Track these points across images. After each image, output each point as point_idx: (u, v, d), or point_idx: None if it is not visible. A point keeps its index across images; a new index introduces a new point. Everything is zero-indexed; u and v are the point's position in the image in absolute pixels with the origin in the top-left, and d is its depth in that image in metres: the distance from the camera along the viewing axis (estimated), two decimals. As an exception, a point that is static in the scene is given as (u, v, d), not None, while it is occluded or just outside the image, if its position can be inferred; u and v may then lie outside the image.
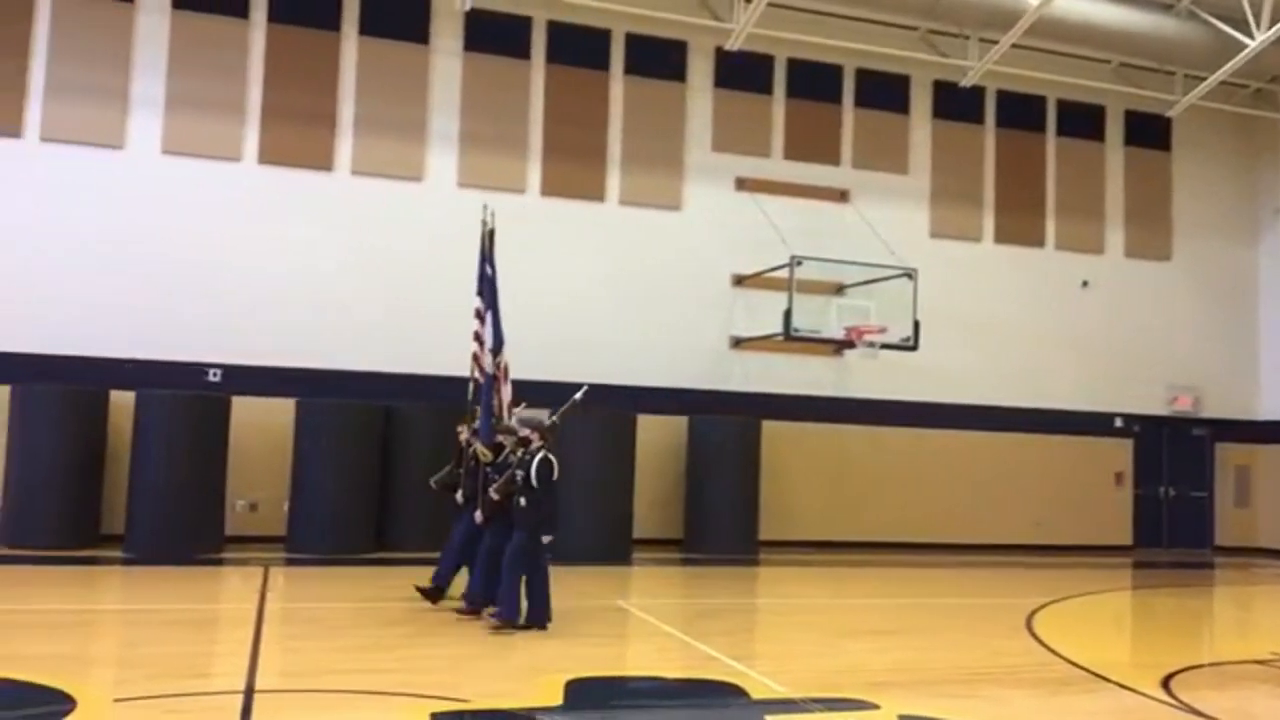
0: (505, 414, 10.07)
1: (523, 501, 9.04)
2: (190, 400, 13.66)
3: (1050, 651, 9.12)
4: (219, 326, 14.54)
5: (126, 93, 14.61)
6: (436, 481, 10.73)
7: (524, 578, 9.03)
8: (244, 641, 8.12)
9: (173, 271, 14.42)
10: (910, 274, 15.67)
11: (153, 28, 14.75)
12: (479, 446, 9.81)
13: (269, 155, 14.97)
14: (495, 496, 9.18)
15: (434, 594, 9.84)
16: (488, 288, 10.50)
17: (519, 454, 9.25)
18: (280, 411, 14.04)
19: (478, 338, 10.36)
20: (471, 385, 10.36)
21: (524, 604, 9.06)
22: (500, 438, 9.68)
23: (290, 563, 13.09)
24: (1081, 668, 8.37)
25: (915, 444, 17.56)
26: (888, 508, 17.27)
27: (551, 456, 9.08)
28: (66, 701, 6.25)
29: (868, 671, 8.05)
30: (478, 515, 9.48)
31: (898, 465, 17.40)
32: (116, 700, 6.44)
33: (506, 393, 10.25)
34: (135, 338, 14.15)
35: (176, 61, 14.79)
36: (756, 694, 7.14)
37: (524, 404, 10.44)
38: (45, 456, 13.08)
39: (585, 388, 9.66)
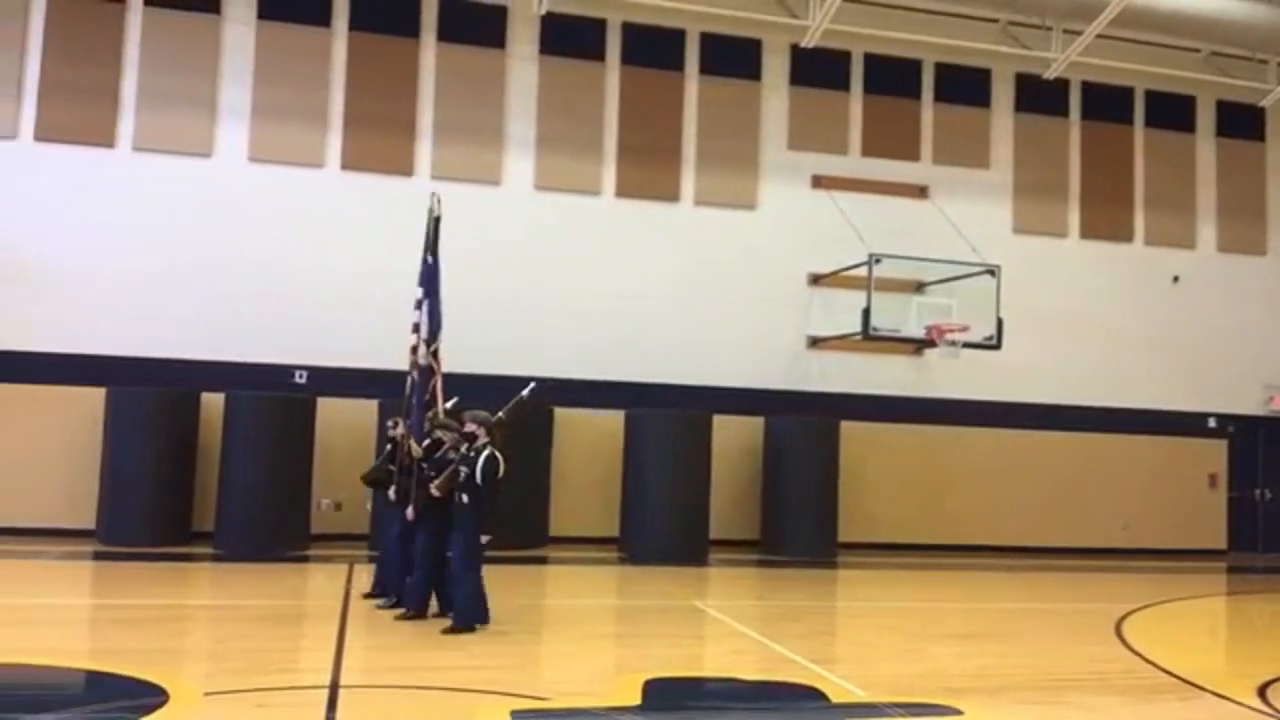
0: (439, 407, 9.72)
1: (465, 499, 8.79)
2: (276, 401, 13.99)
3: (1141, 658, 8.87)
4: (304, 329, 14.87)
5: (214, 102, 15.04)
6: (365, 477, 10.40)
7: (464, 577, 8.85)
8: (329, 637, 8.29)
9: (258, 275, 14.79)
10: (993, 271, 15.37)
11: (239, 38, 15.16)
12: (410, 443, 9.46)
13: (351, 162, 15.26)
14: (437, 492, 8.89)
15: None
16: (429, 275, 10.06)
17: (463, 450, 8.98)
18: (363, 412, 14.30)
19: (416, 328, 9.98)
20: (409, 379, 9.94)
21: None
22: (439, 433, 9.36)
23: (373, 560, 13.31)
24: (1174, 675, 8.13)
25: (998, 444, 17.22)
26: (970, 510, 16.96)
27: (498, 454, 8.85)
28: (159, 694, 6.45)
29: (949, 676, 7.92)
30: (409, 512, 9.19)
31: (980, 466, 17.08)
32: (207, 694, 6.62)
33: (438, 385, 9.88)
34: (224, 340, 14.55)
35: (262, 71, 15.18)
36: (836, 697, 7.07)
37: (455, 399, 9.99)
38: (139, 456, 13.49)
39: (533, 384, 9.49)
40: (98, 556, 12.81)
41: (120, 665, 7.17)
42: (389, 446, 10.09)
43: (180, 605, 8.64)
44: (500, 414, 9.08)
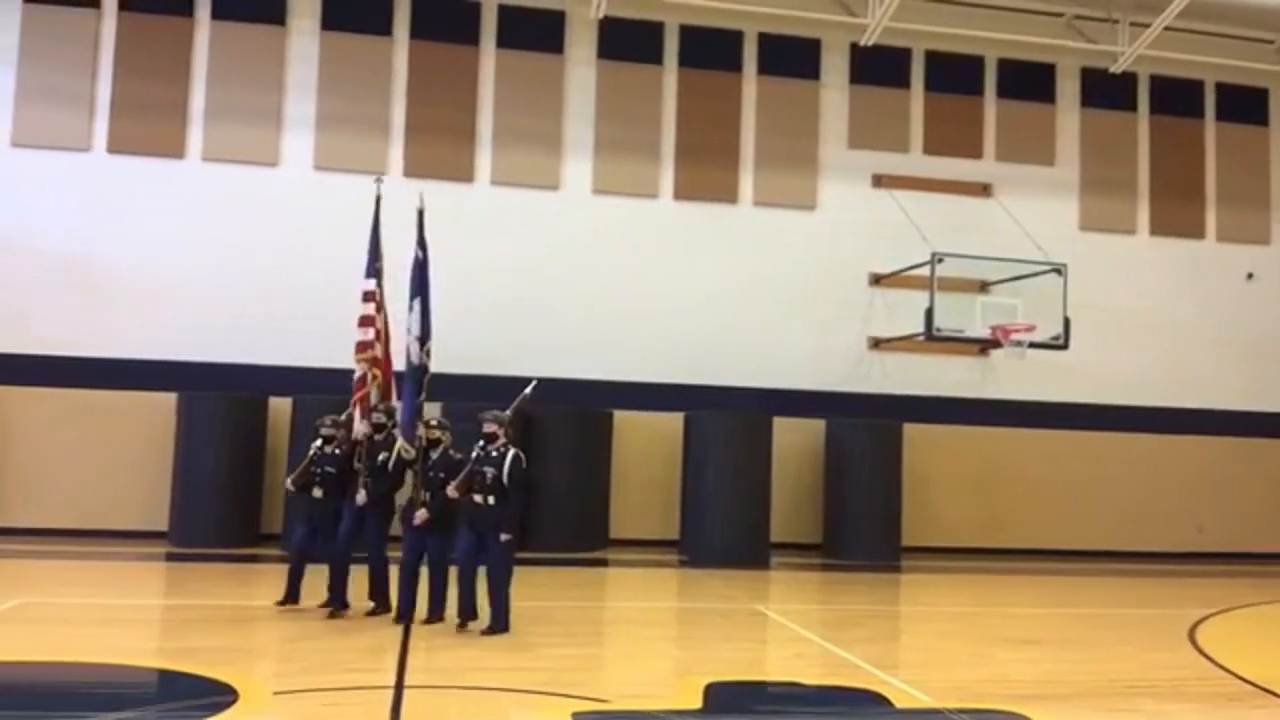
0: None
1: (490, 500, 8.66)
2: (342, 405, 14.09)
3: (1216, 665, 8.64)
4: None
5: (280, 112, 15.34)
6: (295, 481, 9.60)
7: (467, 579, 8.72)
8: (393, 638, 8.40)
9: (323, 282, 15.01)
10: (1059, 269, 15.11)
11: (303, 49, 15.45)
12: (402, 443, 9.10)
13: (414, 169, 15.44)
14: (454, 495, 8.72)
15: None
16: (419, 274, 9.71)
17: (478, 451, 8.77)
18: (426, 414, 14.43)
19: (369, 322, 9.65)
20: (369, 377, 9.58)
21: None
22: (438, 433, 9.13)
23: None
24: (1251, 683, 7.90)
25: (1066, 447, 16.90)
26: (1037, 513, 16.67)
27: (521, 454, 8.79)
28: (230, 693, 6.59)
29: (1016, 683, 7.79)
30: (420, 515, 8.85)
31: (1048, 469, 16.77)
32: (276, 693, 6.74)
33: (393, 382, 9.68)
34: (291, 345, 14.81)
35: (325, 81, 15.46)
36: (899, 703, 7.00)
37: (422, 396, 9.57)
38: (209, 460, 13.79)
39: (534, 382, 9.30)
40: (170, 558, 13.12)
41: (192, 664, 7.34)
42: (322, 446, 9.54)
43: (250, 606, 8.82)
44: (508, 412, 8.95)
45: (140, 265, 14.84)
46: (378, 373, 9.64)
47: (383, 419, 9.49)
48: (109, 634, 8.50)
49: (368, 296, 9.82)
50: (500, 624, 8.64)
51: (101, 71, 15.00)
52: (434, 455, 9.07)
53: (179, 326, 14.74)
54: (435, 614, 8.90)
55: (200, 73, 15.22)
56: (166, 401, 14.23)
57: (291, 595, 9.31)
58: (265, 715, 6.40)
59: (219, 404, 14.07)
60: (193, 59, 15.22)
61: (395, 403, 9.60)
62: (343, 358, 14.85)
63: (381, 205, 10.11)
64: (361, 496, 9.14)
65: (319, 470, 9.47)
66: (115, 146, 14.96)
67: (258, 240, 15.04)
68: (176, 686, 6.99)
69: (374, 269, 9.90)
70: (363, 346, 9.65)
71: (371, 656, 7.93)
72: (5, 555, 12.75)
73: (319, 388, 14.45)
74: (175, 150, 15.07)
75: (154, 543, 13.85)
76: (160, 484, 14.12)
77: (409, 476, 9.22)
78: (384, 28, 15.66)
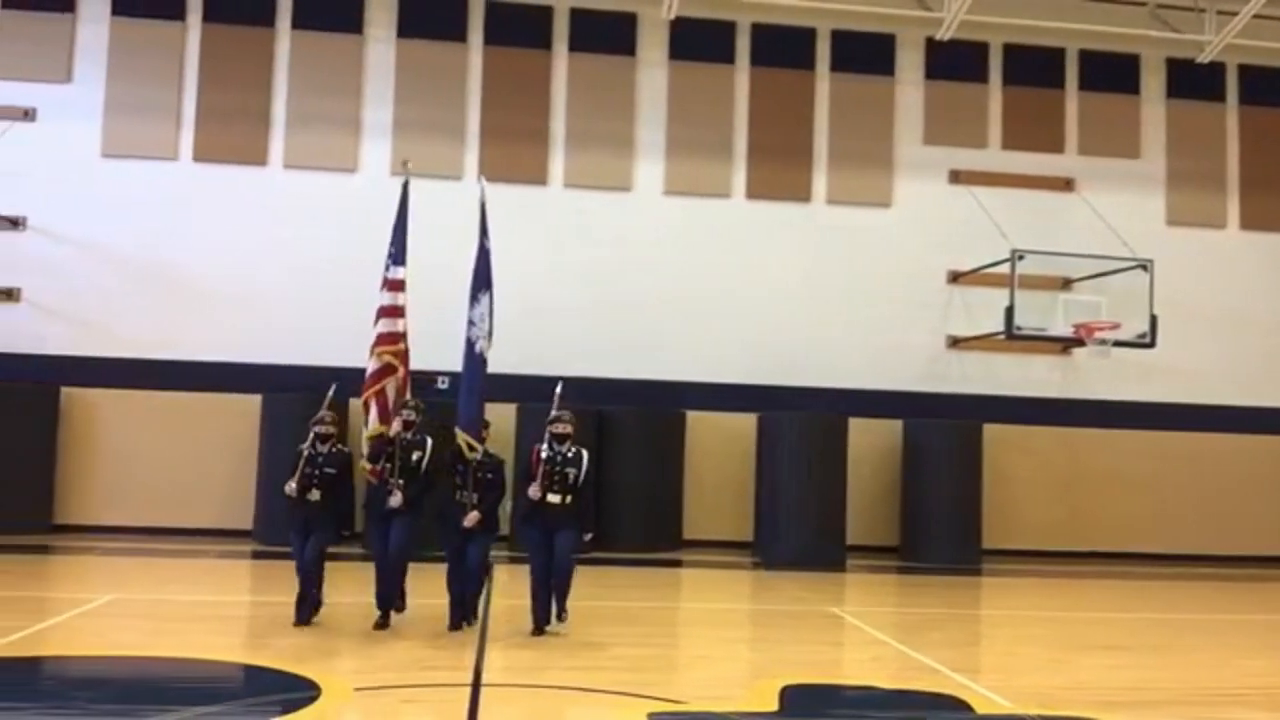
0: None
1: (568, 500, 8.57)
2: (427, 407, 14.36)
3: (1313, 674, 8.34)
4: (447, 335, 15.22)
5: (359, 119, 15.64)
6: (297, 485, 8.85)
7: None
8: (472, 635, 8.50)
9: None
10: (1145, 265, 14.70)
11: (380, 57, 15.73)
12: (465, 439, 8.67)
13: (488, 172, 15.53)
14: (536, 495, 8.51)
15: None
16: (485, 265, 9.23)
17: (551, 451, 8.59)
18: (501, 415, 14.58)
19: (397, 313, 9.14)
20: (387, 371, 9.09)
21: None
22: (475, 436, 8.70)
23: (513, 560, 13.58)
24: (1350, 693, 7.61)
25: (1153, 447, 16.45)
26: (1123, 515, 16.25)
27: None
28: (313, 689, 6.73)
29: (1101, 689, 7.60)
30: (472, 517, 8.53)
31: (1134, 470, 16.34)
32: (357, 689, 6.86)
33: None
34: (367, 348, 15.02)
35: (402, 87, 15.71)
36: (979, 708, 6.87)
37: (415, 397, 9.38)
38: (292, 460, 14.02)
39: (561, 381, 9.09)
40: (255, 556, 13.43)
41: (276, 660, 7.51)
42: (315, 445, 8.91)
43: (331, 603, 8.97)
44: (554, 412, 8.82)
45: (225, 270, 15.24)
46: (399, 366, 9.10)
47: (412, 415, 8.97)
48: (196, 630, 8.74)
49: (396, 285, 9.31)
50: (565, 617, 8.72)
51: (187, 82, 15.44)
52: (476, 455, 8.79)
53: (263, 330, 15.10)
54: (470, 617, 8.76)
55: (281, 82, 15.59)
56: (251, 403, 14.58)
57: (305, 617, 8.70)
58: (347, 711, 6.53)
59: (301, 405, 14.31)
60: (274, 68, 15.59)
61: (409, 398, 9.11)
62: (422, 358, 15.16)
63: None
64: (396, 499, 8.65)
65: (317, 471, 8.79)
66: (200, 155, 15.39)
67: (338, 245, 15.32)
68: (261, 682, 7.16)
69: (404, 256, 9.41)
70: (391, 338, 9.13)
71: (449, 655, 8.02)
72: (96, 553, 13.21)
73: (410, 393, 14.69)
74: (258, 158, 15.46)
75: (239, 541, 14.20)
76: (244, 483, 14.47)
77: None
78: (459, 34, 15.86)
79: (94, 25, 15.36)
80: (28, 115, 15.16)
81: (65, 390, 14.88)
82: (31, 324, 14.98)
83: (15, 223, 15.03)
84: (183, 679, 7.13)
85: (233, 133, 15.40)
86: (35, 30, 15.22)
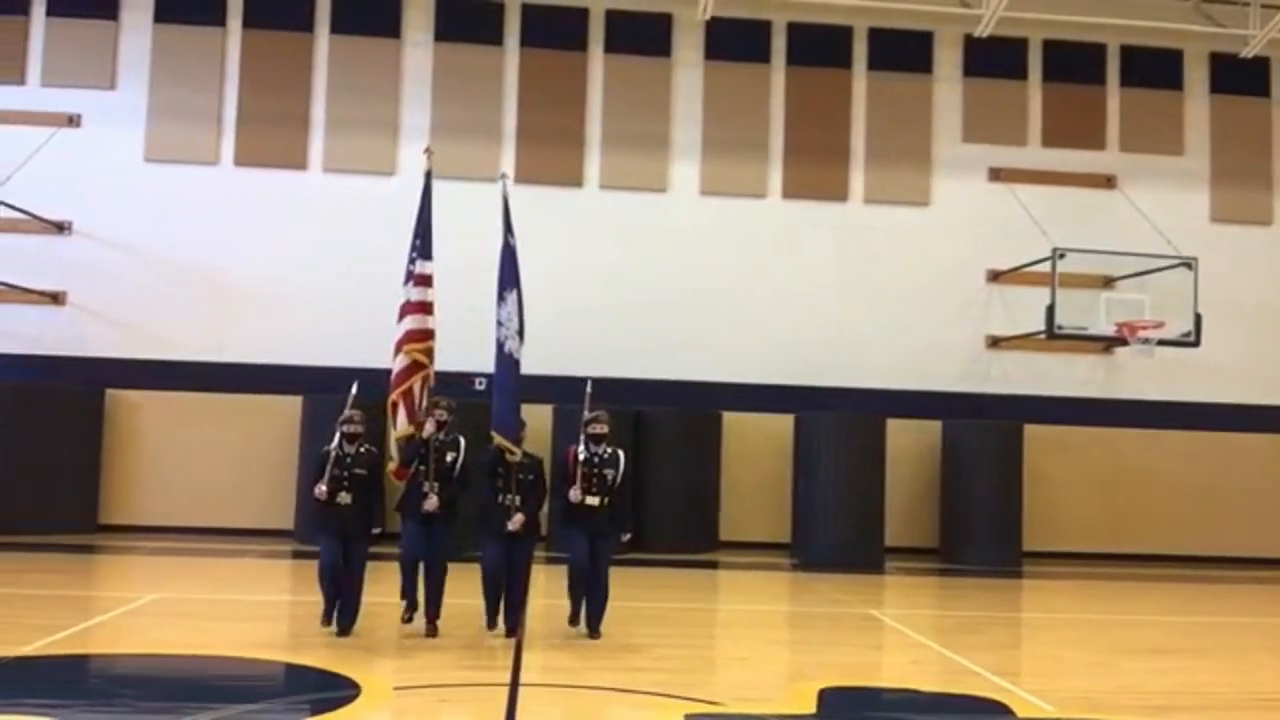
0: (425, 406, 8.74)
1: (605, 501, 8.49)
2: (461, 408, 14.43)
3: (1365, 679, 8.17)
4: (485, 338, 15.28)
5: (396, 123, 15.75)
6: (326, 488, 8.49)
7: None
8: (509, 638, 8.52)
9: (438, 285, 15.31)
10: (1189, 263, 14.47)
11: (417, 60, 15.84)
12: (503, 442, 8.48)
13: (525, 174, 15.65)
14: (577, 498, 8.40)
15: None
16: (513, 261, 9.01)
17: (588, 452, 8.51)
18: (537, 417, 14.61)
19: (426, 309, 8.85)
20: (415, 369, 8.86)
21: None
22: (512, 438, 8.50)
23: (550, 562, 13.60)
24: (1405, 699, 7.45)
25: (1197, 447, 16.19)
26: (1166, 517, 16.02)
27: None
28: (352, 687, 6.78)
29: (1146, 693, 7.48)
30: (517, 520, 8.34)
31: (1177, 471, 16.10)
32: (396, 688, 6.90)
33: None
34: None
35: (439, 90, 15.81)
36: (1022, 713, 6.78)
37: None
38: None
39: (590, 381, 9.00)
40: (296, 555, 13.55)
41: (316, 659, 7.57)
42: (342, 445, 8.66)
43: (370, 602, 9.03)
44: (587, 413, 8.74)
45: (266, 273, 15.41)
46: (428, 364, 8.89)
47: (444, 415, 8.79)
48: (239, 628, 8.83)
49: (424, 280, 9.00)
50: (600, 623, 8.65)
51: (227, 88, 15.64)
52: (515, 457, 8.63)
53: (303, 331, 15.24)
54: (519, 624, 8.60)
55: (320, 86, 15.74)
56: (292, 404, 14.71)
57: (331, 617, 8.37)
58: (386, 710, 6.56)
59: (341, 407, 14.43)
60: (313, 73, 15.74)
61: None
62: (460, 359, 15.33)
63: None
64: (433, 503, 8.45)
65: (346, 474, 8.52)
66: (241, 159, 15.58)
67: (377, 247, 15.36)
68: (303, 680, 7.22)
69: (430, 250, 9.11)
70: (421, 335, 8.85)
71: (488, 655, 8.06)
72: (139, 552, 13.40)
73: (436, 390, 14.77)
74: (297, 162, 15.62)
75: (280, 540, 14.34)
76: (285, 484, 14.60)
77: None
78: (495, 37, 15.93)
79: (137, 32, 15.60)
80: (73, 121, 15.42)
81: (110, 392, 15.12)
82: (77, 327, 15.24)
83: (61, 227, 15.29)
84: (225, 677, 7.21)
85: (273, 137, 15.57)
86: (80, 38, 15.49)
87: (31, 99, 15.39)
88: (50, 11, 15.49)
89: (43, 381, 14.72)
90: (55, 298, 15.23)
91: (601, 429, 8.68)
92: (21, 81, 15.43)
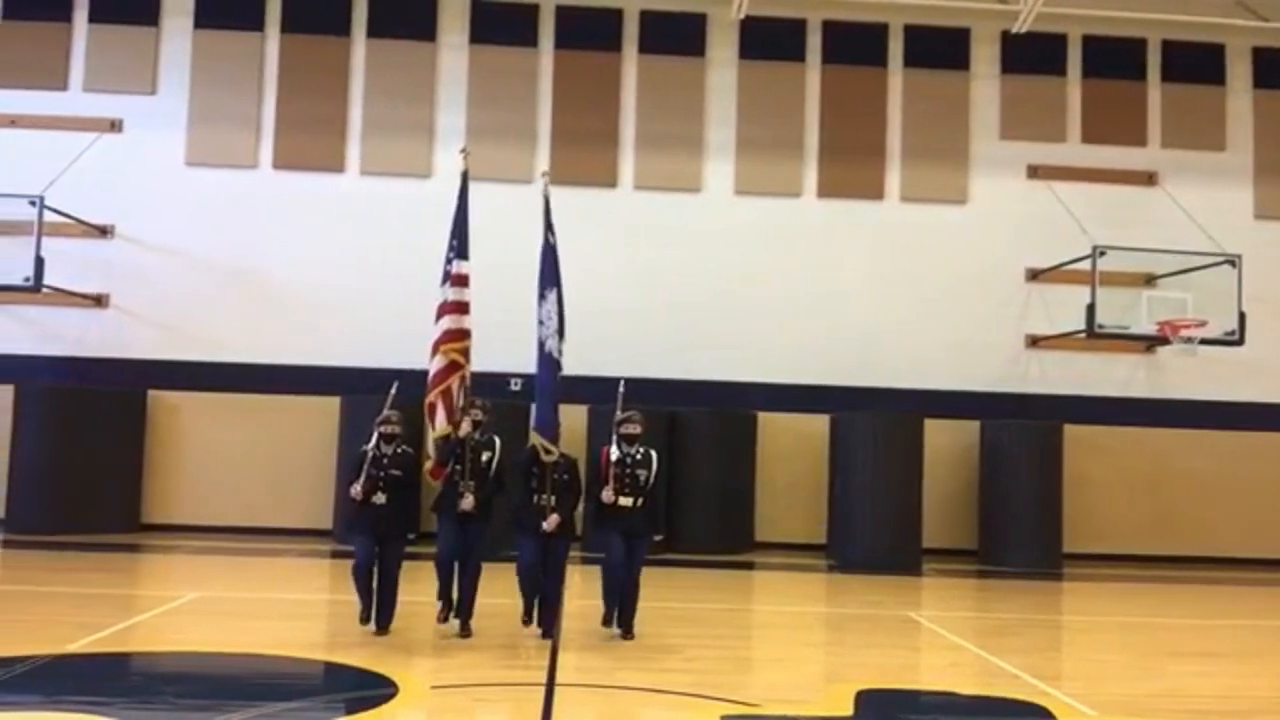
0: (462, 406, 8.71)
1: (640, 502, 8.48)
2: (494, 407, 14.48)
3: None
4: (521, 338, 15.33)
5: (433, 125, 15.85)
6: (363, 488, 8.58)
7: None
8: (546, 639, 8.54)
9: (475, 287, 15.39)
10: (1233, 261, 14.26)
11: (452, 63, 15.93)
12: (541, 441, 8.48)
13: (559, 176, 15.63)
14: (610, 498, 8.38)
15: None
16: (553, 260, 9.02)
17: (622, 453, 8.46)
18: (572, 417, 14.62)
19: (463, 309, 8.87)
20: (452, 369, 8.82)
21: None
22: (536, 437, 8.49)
23: (585, 562, 13.61)
24: None
25: (1242, 448, 15.93)
26: (1209, 518, 15.78)
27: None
28: (390, 686, 6.82)
29: (1191, 697, 7.37)
30: (553, 520, 8.35)
31: (1221, 471, 15.85)
32: (433, 687, 6.93)
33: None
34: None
35: (474, 93, 15.89)
36: (1062, 717, 6.70)
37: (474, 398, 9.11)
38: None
39: (623, 381, 8.98)
40: (334, 555, 13.64)
41: (354, 658, 7.62)
42: (379, 446, 8.72)
43: (408, 601, 9.07)
44: (622, 414, 8.71)
45: (304, 275, 15.56)
46: (465, 364, 8.87)
47: (480, 415, 8.80)
48: (278, 627, 8.91)
49: (461, 280, 9.04)
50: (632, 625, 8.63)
51: (266, 92, 15.81)
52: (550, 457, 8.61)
53: (342, 333, 15.37)
54: (555, 625, 8.58)
55: (357, 90, 15.88)
56: (331, 405, 14.83)
57: (370, 615, 8.42)
58: (423, 709, 6.60)
59: (380, 407, 14.53)
60: (350, 77, 15.88)
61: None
62: (496, 360, 15.40)
63: (469, 182, 9.55)
64: (468, 502, 8.45)
65: (382, 474, 8.58)
66: (280, 163, 15.74)
67: (415, 249, 15.48)
68: (341, 679, 7.28)
69: (466, 250, 9.17)
70: (458, 335, 8.85)
71: (524, 655, 8.08)
72: (180, 551, 13.56)
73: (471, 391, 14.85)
74: (335, 165, 15.76)
75: (319, 540, 14.46)
76: (325, 484, 14.72)
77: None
78: (530, 39, 15.99)
79: (177, 38, 15.81)
80: (115, 126, 15.65)
81: (152, 394, 15.33)
82: (120, 329, 15.46)
83: (104, 231, 15.52)
84: (264, 675, 7.28)
85: (311, 140, 15.72)
86: (121, 44, 15.72)
87: (74, 105, 15.65)
88: (92, 18, 15.74)
89: (86, 383, 14.95)
90: (98, 300, 15.47)
91: (634, 429, 8.67)
92: (64, 88, 15.69)
